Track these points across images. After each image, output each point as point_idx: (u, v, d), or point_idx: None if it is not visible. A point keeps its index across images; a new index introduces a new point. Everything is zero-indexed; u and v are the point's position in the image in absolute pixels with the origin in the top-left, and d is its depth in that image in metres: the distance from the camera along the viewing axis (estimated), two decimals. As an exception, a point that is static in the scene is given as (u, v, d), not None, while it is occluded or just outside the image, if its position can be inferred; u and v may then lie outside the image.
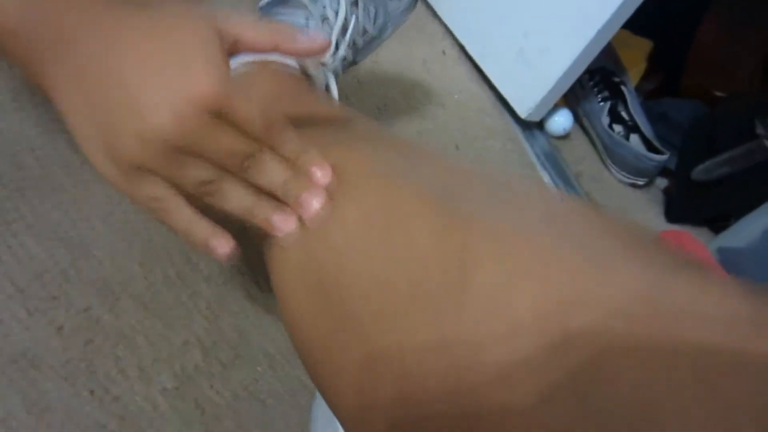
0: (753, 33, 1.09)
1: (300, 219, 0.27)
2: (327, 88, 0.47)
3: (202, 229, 0.27)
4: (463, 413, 0.20)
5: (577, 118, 1.05)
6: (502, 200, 0.27)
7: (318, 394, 0.36)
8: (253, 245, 0.30)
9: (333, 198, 0.28)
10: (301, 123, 0.38)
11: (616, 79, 1.03)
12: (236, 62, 0.44)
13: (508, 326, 0.20)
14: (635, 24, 0.94)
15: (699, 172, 0.98)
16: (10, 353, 0.37)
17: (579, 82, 0.97)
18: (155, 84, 0.24)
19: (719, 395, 0.16)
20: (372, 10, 0.51)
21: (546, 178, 0.86)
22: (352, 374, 0.23)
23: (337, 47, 0.47)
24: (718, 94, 1.11)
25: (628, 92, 1.02)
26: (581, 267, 0.20)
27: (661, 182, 1.09)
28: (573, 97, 1.03)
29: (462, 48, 0.93)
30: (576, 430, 0.18)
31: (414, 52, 0.85)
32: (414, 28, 0.90)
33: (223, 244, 0.28)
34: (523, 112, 0.90)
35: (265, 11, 0.49)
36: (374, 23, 0.50)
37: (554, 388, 0.18)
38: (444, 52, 0.90)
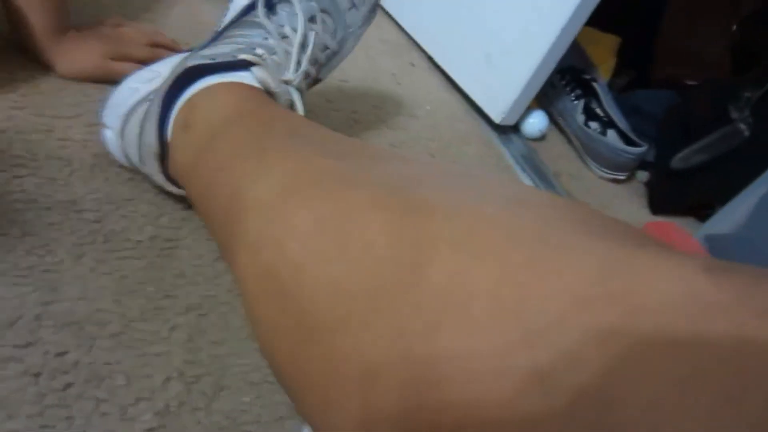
0: (715, 19, 1.10)
1: None
2: (292, 105, 0.47)
3: None
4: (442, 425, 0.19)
5: (552, 119, 1.06)
6: (462, 186, 0.27)
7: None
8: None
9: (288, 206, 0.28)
10: (257, 132, 0.38)
11: (587, 77, 1.04)
12: (199, 84, 0.44)
13: (465, 326, 0.19)
14: (601, 20, 0.95)
15: (677, 161, 0.99)
16: (-14, 405, 0.36)
17: (550, 83, 0.98)
18: None
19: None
20: (331, 25, 0.51)
21: (526, 180, 0.86)
22: (324, 386, 0.23)
23: (299, 64, 0.47)
24: (690, 82, 1.12)
25: (601, 88, 1.03)
26: (539, 252, 0.20)
27: (642, 175, 1.09)
28: (546, 98, 1.04)
29: (430, 58, 0.93)
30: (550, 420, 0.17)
31: (382, 66, 0.86)
32: (380, 42, 0.91)
33: None
34: (496, 117, 0.90)
35: (223, 33, 0.50)
36: (334, 38, 0.50)
37: (521, 388, 0.18)
38: (413, 64, 0.90)
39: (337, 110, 0.74)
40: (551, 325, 0.18)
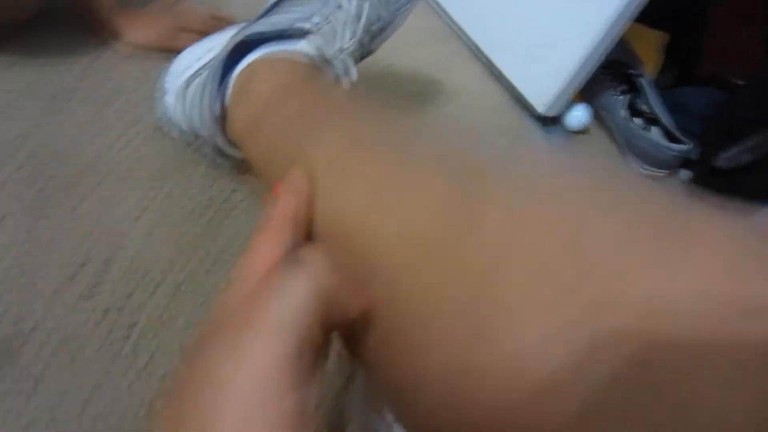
0: (763, 17, 1.08)
1: None
2: (346, 72, 0.48)
3: None
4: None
5: (595, 113, 1.05)
6: (513, 158, 0.28)
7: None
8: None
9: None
10: (312, 105, 0.40)
11: (632, 72, 1.03)
12: (258, 52, 0.46)
13: (524, 267, 0.20)
14: (648, 17, 0.94)
15: (723, 159, 0.98)
16: (62, 335, 0.38)
17: (595, 77, 0.98)
18: None
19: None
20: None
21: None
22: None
23: (353, 33, 0.49)
24: (736, 81, 1.11)
25: (646, 84, 1.03)
26: (585, 214, 0.21)
27: (685, 174, 1.08)
28: (589, 91, 1.04)
29: (475, 46, 0.94)
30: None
31: (427, 54, 0.87)
32: (425, 30, 0.92)
33: None
34: (540, 107, 0.91)
35: (279, 5, 0.52)
36: (387, 9, 0.52)
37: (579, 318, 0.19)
38: (457, 52, 0.91)
39: (381, 97, 0.75)
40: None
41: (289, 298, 0.21)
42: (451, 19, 0.98)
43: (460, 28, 0.97)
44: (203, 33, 0.60)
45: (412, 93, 0.80)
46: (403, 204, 0.26)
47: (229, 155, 0.50)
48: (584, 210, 0.21)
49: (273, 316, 0.20)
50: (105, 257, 0.43)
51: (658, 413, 0.17)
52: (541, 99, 0.90)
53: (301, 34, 0.48)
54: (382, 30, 0.53)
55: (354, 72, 0.48)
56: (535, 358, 0.19)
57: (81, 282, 0.41)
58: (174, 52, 0.55)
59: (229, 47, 0.48)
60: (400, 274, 0.24)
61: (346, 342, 0.30)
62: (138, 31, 0.59)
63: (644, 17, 0.88)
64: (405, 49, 0.81)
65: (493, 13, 0.93)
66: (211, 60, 0.50)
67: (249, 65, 0.46)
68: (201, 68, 0.51)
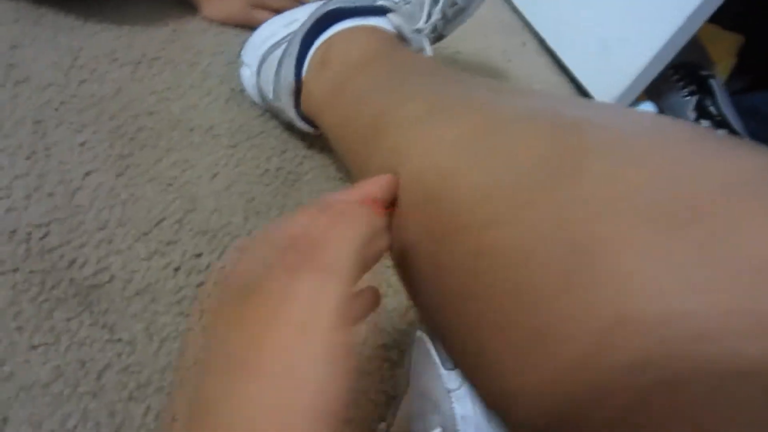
0: None
1: None
2: (422, 51, 0.49)
3: None
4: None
5: (661, 113, 1.03)
6: (603, 108, 0.27)
7: (420, 335, 0.38)
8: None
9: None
10: (398, 68, 0.40)
11: (704, 73, 1.00)
12: (338, 26, 0.47)
13: (625, 216, 0.20)
14: (724, 18, 0.91)
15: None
16: (135, 288, 0.40)
17: (663, 76, 0.95)
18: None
19: None
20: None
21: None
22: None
23: (429, 15, 0.49)
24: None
25: (717, 86, 0.99)
26: (689, 149, 0.21)
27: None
28: (656, 90, 1.01)
29: (542, 40, 0.93)
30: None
31: (494, 44, 0.87)
32: (494, 20, 0.91)
33: None
34: (605, 103, 0.89)
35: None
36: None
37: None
38: (524, 44, 0.90)
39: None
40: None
41: (349, 243, 0.22)
42: (519, 12, 0.97)
43: (527, 21, 0.96)
44: (279, 9, 0.61)
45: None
46: (495, 158, 0.25)
47: (298, 129, 0.51)
48: (688, 156, 0.20)
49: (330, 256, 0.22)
50: (178, 217, 0.44)
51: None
52: (606, 95, 0.88)
53: (381, 11, 0.48)
54: (456, 15, 0.53)
55: (430, 51, 0.48)
56: (643, 307, 0.18)
57: (155, 239, 0.43)
58: (251, 27, 0.56)
59: (311, 21, 0.49)
60: (488, 227, 0.23)
61: (417, 300, 0.30)
62: (215, 6, 0.60)
63: (720, 19, 0.85)
64: (475, 37, 0.81)
65: (559, 7, 0.92)
66: (288, 34, 0.51)
67: (328, 39, 0.47)
68: (278, 41, 0.52)
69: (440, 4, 0.51)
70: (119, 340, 0.38)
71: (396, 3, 0.49)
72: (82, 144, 0.46)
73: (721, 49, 1.07)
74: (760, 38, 1.10)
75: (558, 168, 0.23)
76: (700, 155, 0.20)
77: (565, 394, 0.19)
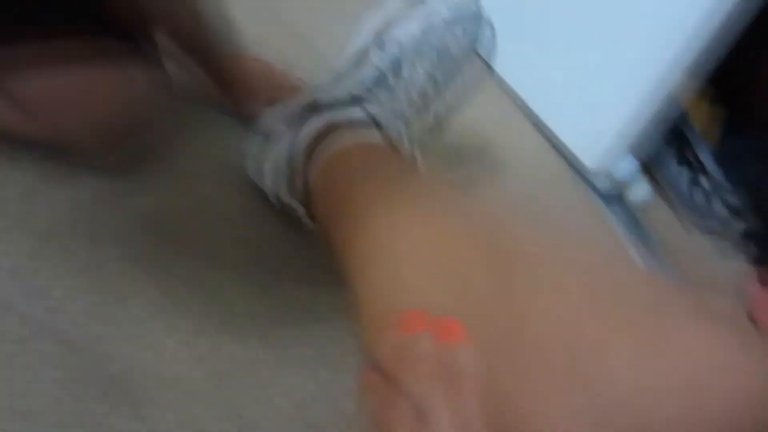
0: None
1: None
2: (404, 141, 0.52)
3: None
4: None
5: (656, 186, 1.06)
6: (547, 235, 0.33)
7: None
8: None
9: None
10: (389, 190, 0.44)
11: (694, 147, 1.04)
12: (312, 124, 0.50)
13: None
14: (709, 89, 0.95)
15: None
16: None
17: (658, 150, 1.00)
18: None
19: None
20: (442, 78, 0.56)
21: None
22: None
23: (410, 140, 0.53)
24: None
25: (704, 156, 1.03)
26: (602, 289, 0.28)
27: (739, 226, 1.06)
28: (653, 164, 1.05)
29: (524, 104, 0.98)
30: None
31: (481, 113, 0.91)
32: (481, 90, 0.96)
33: None
34: (588, 162, 0.93)
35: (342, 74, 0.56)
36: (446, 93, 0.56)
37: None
38: (510, 112, 0.95)
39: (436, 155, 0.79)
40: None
41: None
42: (501, 79, 1.01)
43: (507, 85, 1.01)
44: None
45: (465, 155, 0.83)
46: (440, 273, 0.33)
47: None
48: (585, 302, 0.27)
49: None
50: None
51: None
52: (590, 156, 0.92)
53: (358, 102, 0.52)
54: (446, 115, 0.57)
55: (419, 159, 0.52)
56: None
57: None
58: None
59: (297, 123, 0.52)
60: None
61: None
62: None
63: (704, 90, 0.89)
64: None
65: (541, 69, 0.97)
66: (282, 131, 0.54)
67: (333, 155, 0.49)
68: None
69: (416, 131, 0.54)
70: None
71: (371, 92, 0.53)
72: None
73: (708, 120, 1.10)
74: (729, 76, 1.12)
75: (494, 289, 0.31)
76: (596, 301, 0.29)
77: None
